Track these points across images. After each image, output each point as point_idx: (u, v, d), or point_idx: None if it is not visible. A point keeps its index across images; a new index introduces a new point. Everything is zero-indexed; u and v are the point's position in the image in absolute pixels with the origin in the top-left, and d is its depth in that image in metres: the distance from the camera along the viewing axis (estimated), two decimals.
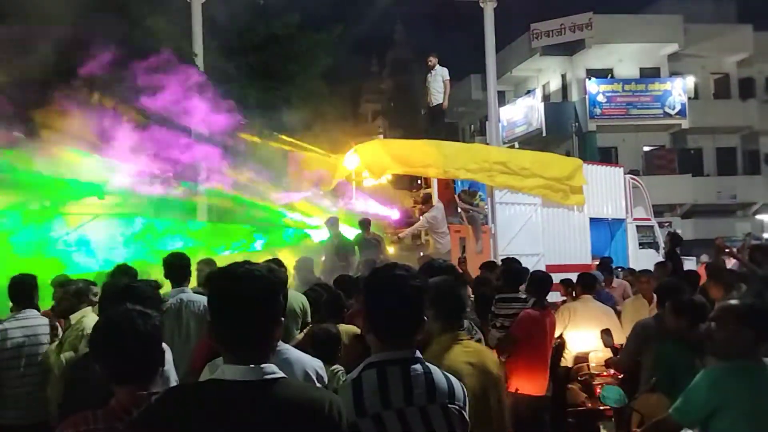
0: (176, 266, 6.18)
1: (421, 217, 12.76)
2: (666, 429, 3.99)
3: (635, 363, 5.93)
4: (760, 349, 3.79)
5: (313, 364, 3.56)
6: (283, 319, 2.37)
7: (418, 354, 2.75)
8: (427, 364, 2.74)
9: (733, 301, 4.10)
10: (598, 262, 13.98)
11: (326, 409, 2.27)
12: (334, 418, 2.28)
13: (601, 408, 6.86)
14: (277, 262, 6.33)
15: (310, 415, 2.24)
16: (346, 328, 5.63)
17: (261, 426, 2.18)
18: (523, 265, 8.86)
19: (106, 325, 2.70)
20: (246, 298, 2.27)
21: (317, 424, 2.25)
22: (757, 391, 3.68)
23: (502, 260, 8.74)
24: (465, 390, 2.84)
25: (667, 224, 27.01)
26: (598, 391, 6.83)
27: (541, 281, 7.17)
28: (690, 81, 33.37)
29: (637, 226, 17.81)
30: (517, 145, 32.69)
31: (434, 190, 13.38)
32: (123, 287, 3.88)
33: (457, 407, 2.75)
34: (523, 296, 7.12)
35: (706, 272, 7.31)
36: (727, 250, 10.14)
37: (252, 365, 2.22)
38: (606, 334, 7.01)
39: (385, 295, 2.74)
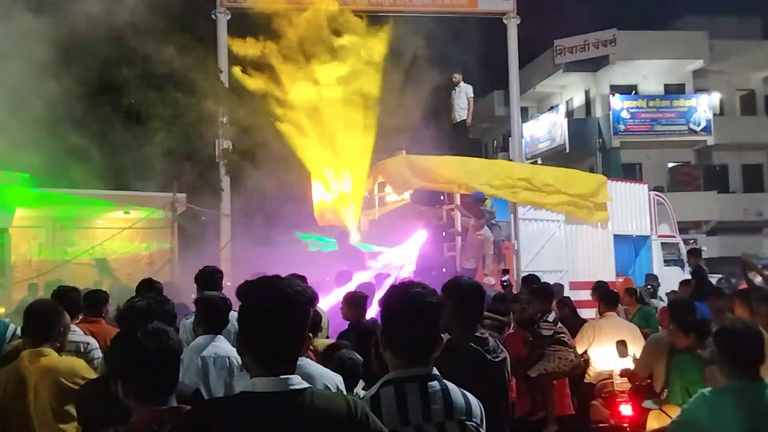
0: (209, 280, 6.23)
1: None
2: None
3: (649, 375, 6.25)
4: (755, 370, 3.85)
5: (334, 379, 3.60)
6: (310, 335, 2.44)
7: (435, 371, 2.76)
8: (444, 381, 2.75)
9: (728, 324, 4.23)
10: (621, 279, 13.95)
11: (354, 413, 2.32)
12: (362, 421, 2.34)
13: (624, 425, 6.96)
14: (302, 279, 6.31)
15: (340, 420, 2.30)
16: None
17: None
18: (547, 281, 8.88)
19: (126, 343, 2.73)
20: (278, 314, 2.34)
21: (347, 429, 2.31)
22: (749, 414, 3.72)
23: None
24: (482, 407, 2.84)
25: (692, 241, 26.77)
26: (620, 408, 6.94)
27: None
28: (715, 97, 33.16)
29: (662, 243, 17.66)
30: (540, 161, 32.61)
31: (457, 206, 13.38)
32: (144, 305, 3.92)
33: (474, 424, 2.77)
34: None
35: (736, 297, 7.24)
36: (752, 268, 10.04)
37: (280, 376, 2.29)
38: (621, 344, 7.13)
39: (402, 312, 2.76)
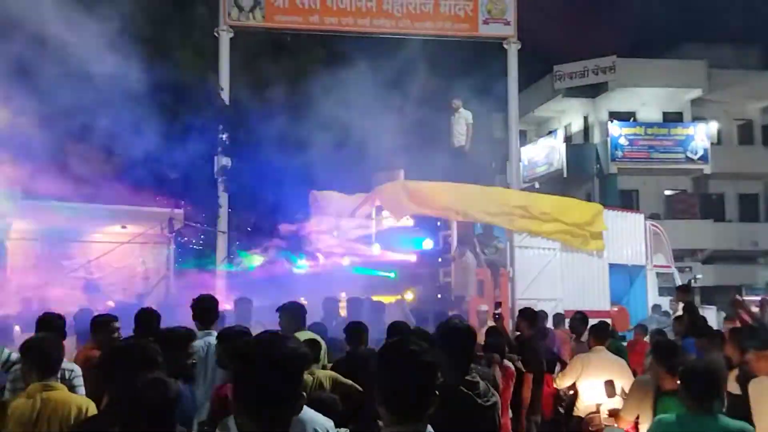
0: (205, 309, 6.26)
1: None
2: None
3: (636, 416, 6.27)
4: (712, 404, 4.49)
5: (325, 425, 3.62)
6: (304, 394, 2.48)
7: (429, 429, 2.78)
8: None
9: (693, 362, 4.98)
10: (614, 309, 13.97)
11: None
12: None
13: None
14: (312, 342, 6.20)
15: None
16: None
17: None
18: (541, 309, 8.97)
19: (125, 393, 2.77)
20: (269, 383, 2.38)
21: None
22: None
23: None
24: None
25: (687, 269, 26.83)
26: None
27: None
28: (713, 126, 33.32)
29: (657, 273, 17.71)
30: (537, 185, 32.72)
31: (454, 233, 13.42)
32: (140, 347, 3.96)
33: None
34: None
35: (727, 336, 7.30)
36: (742, 309, 10.08)
37: None
38: (609, 385, 7.20)
39: (397, 370, 2.78)
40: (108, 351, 3.98)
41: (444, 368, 3.62)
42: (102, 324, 6.38)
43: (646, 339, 11.14)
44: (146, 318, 6.17)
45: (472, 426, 3.87)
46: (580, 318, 9.79)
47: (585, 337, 9.03)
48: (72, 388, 5.20)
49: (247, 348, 2.45)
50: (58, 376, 4.89)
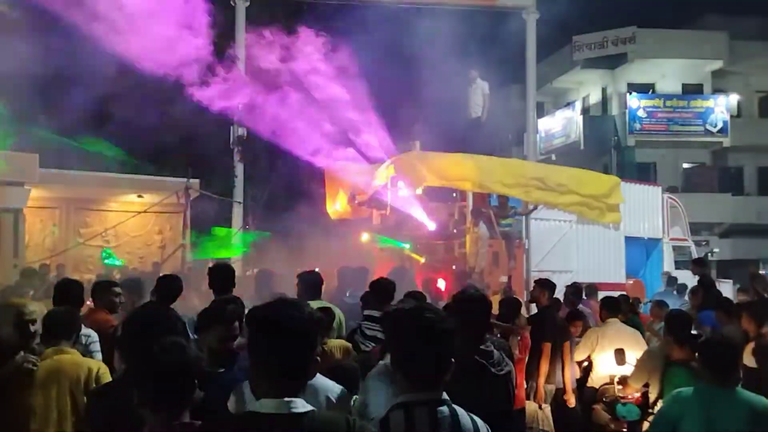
0: (221, 277, 6.30)
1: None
2: None
3: (645, 385, 6.41)
4: (731, 377, 4.45)
5: (336, 391, 3.65)
6: (318, 359, 2.51)
7: (445, 396, 2.79)
8: (453, 406, 2.78)
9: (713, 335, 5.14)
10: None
11: None
12: None
13: (624, 430, 7.04)
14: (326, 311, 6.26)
15: None
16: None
17: None
18: (553, 282, 8.95)
19: (143, 356, 2.80)
20: (283, 345, 2.42)
21: None
22: (711, 413, 4.30)
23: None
24: (490, 430, 2.87)
25: (704, 242, 26.67)
26: (622, 422, 7.03)
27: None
28: (733, 99, 32.88)
29: (674, 246, 17.62)
30: (554, 157, 32.47)
31: (469, 204, 13.39)
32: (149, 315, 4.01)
33: None
34: None
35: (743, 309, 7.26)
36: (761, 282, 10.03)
37: (285, 399, 2.38)
38: (619, 353, 7.32)
39: (414, 339, 2.78)
40: (128, 317, 4.03)
41: (459, 337, 3.64)
42: (104, 289, 6.51)
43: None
44: (168, 285, 6.23)
45: (486, 395, 3.88)
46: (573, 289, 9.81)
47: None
48: (89, 354, 5.34)
49: (261, 313, 2.47)
50: (74, 341, 4.98)
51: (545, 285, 8.82)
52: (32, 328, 4.85)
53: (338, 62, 15.19)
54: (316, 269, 7.80)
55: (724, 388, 4.40)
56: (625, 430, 7.11)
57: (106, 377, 4.55)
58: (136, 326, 3.55)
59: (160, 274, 7.43)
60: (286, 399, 2.37)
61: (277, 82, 15.78)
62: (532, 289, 9.42)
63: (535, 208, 13.88)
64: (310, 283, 7.04)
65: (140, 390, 2.71)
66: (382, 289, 6.58)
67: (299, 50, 15.37)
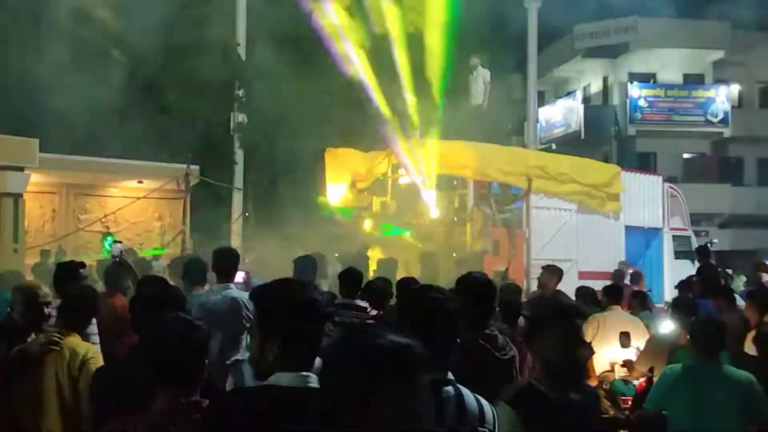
0: (224, 262, 6.28)
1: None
2: (646, 415, 5.16)
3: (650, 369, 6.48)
4: (717, 355, 4.82)
5: None
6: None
7: (450, 376, 2.78)
8: (459, 386, 2.78)
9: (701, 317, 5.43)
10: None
11: None
12: None
13: (623, 416, 7.04)
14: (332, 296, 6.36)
15: None
16: None
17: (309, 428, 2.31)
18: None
19: (153, 331, 2.80)
20: (296, 322, 2.47)
21: None
22: (699, 389, 4.68)
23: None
24: (495, 412, 2.87)
25: (703, 233, 26.65)
26: (621, 399, 7.04)
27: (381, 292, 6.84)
28: (734, 89, 32.83)
29: (674, 236, 17.60)
30: (554, 147, 32.43)
31: (470, 192, 13.37)
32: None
33: (487, 430, 2.79)
34: (363, 304, 6.69)
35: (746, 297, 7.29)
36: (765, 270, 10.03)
37: (302, 373, 2.43)
38: (624, 336, 7.31)
39: (420, 319, 2.77)
40: (136, 296, 4.04)
41: (463, 320, 3.63)
42: (70, 271, 6.36)
43: None
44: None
45: (490, 379, 3.87)
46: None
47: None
48: (87, 338, 5.26)
49: (271, 290, 2.49)
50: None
51: (554, 270, 8.82)
52: (46, 311, 4.81)
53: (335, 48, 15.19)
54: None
55: (710, 365, 4.77)
56: (627, 413, 7.13)
57: (97, 361, 4.47)
58: (147, 304, 3.57)
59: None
60: (303, 374, 2.42)
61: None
62: (540, 274, 9.42)
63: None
64: (307, 266, 7.18)
65: (146, 366, 2.71)
66: (349, 280, 6.74)
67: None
